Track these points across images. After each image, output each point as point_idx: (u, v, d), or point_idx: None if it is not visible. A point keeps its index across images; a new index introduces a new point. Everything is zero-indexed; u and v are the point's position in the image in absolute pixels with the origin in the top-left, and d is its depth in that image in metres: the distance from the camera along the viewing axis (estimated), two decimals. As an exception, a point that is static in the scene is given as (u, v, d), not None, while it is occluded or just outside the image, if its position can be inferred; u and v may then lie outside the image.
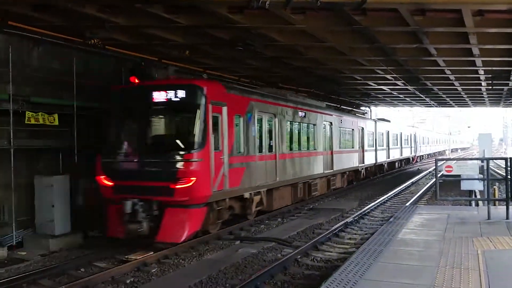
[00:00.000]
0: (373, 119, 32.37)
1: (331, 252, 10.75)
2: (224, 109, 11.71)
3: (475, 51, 15.07)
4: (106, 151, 11.45)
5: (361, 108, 35.92)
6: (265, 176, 13.98)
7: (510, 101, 33.30)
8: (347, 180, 23.88)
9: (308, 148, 17.86)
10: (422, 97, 30.70)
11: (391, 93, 28.93)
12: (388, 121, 37.14)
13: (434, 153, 64.85)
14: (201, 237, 11.57)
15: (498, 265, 7.06)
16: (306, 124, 17.82)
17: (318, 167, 18.76)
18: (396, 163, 37.95)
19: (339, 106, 27.03)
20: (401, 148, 38.49)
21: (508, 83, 22.68)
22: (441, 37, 13.75)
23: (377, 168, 30.95)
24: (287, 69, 19.32)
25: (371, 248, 8.24)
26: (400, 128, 40.05)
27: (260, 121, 13.93)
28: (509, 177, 10.83)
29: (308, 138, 18.10)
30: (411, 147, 43.63)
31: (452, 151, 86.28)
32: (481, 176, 11.56)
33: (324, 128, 19.84)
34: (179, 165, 10.60)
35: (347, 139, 23.61)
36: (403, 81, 22.60)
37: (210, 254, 10.63)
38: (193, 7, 11.26)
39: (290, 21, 11.58)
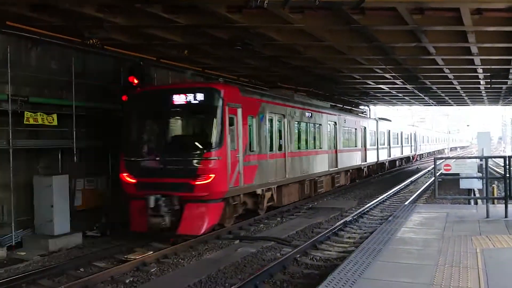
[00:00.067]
0: (375, 119, 32.66)
1: (330, 251, 10.76)
2: (239, 111, 12.39)
3: (474, 49, 15.08)
4: (129, 150, 12.11)
5: (360, 107, 35.97)
6: (276, 174, 14.66)
7: (509, 99, 33.35)
8: (350, 178, 24.44)
9: (314, 147, 18.58)
10: (421, 96, 30.73)
11: (390, 92, 28.95)
12: (389, 120, 37.43)
13: (434, 151, 65.03)
14: (201, 236, 11.60)
15: (496, 263, 7.07)
16: (312, 124, 18.53)
17: (324, 165, 19.49)
18: (397, 162, 38.28)
19: (342, 106, 27.29)
20: (402, 146, 38.82)
21: (507, 81, 22.72)
22: (439, 36, 13.77)
23: (379, 166, 31.42)
24: (286, 69, 19.33)
25: (370, 247, 8.26)
26: (401, 127, 40.44)
27: (270, 121, 14.62)
28: (508, 175, 10.85)
29: (314, 137, 18.81)
30: (411, 145, 43.87)
31: (451, 149, 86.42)
32: (480, 174, 11.57)
33: (329, 127, 20.51)
34: (199, 163, 11.31)
35: (350, 138, 24.28)
36: (402, 80, 22.62)
37: (210, 253, 10.63)
38: (193, 7, 11.26)
39: (289, 20, 11.59)
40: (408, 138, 42.05)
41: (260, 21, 11.89)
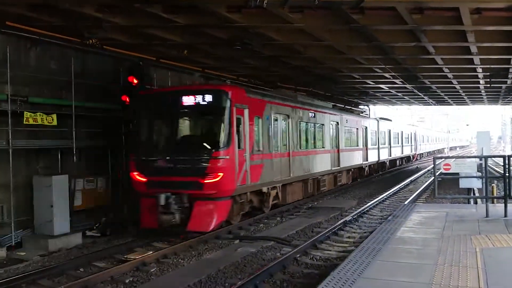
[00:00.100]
0: (376, 118, 32.76)
1: (330, 250, 10.76)
2: (246, 111, 12.71)
3: (473, 49, 15.08)
4: (139, 150, 12.44)
5: (359, 106, 36.00)
6: (280, 172, 15.00)
7: (509, 99, 33.35)
8: (352, 177, 24.66)
9: (317, 147, 18.85)
10: (420, 95, 30.72)
11: (389, 92, 28.95)
12: (390, 120, 37.50)
13: (434, 151, 65.08)
14: (201, 236, 11.63)
15: (496, 262, 7.07)
16: (315, 124, 18.82)
17: (326, 164, 19.81)
18: (398, 161, 38.44)
19: (344, 106, 27.38)
20: (402, 146, 38.95)
21: (507, 81, 22.73)
22: (439, 35, 13.78)
23: (380, 165, 31.64)
24: (285, 68, 19.33)
25: (369, 247, 8.26)
26: (401, 127, 40.58)
27: (275, 121, 14.89)
28: (507, 175, 10.85)
29: (317, 137, 19.10)
30: (411, 145, 43.98)
31: (450, 149, 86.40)
32: (480, 174, 11.58)
33: (331, 127, 20.80)
34: (208, 162, 11.61)
35: (352, 138, 24.53)
36: (401, 80, 22.62)
37: (209, 253, 10.63)
38: (192, 7, 11.26)
39: (288, 20, 11.58)
40: (408, 137, 42.16)
41: (259, 21, 11.89)
